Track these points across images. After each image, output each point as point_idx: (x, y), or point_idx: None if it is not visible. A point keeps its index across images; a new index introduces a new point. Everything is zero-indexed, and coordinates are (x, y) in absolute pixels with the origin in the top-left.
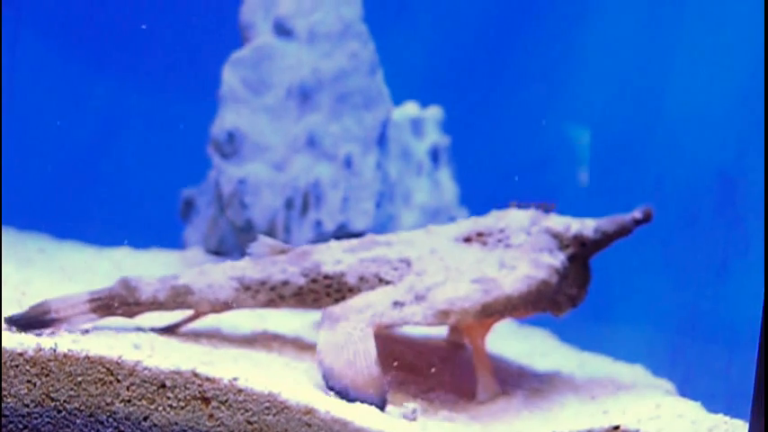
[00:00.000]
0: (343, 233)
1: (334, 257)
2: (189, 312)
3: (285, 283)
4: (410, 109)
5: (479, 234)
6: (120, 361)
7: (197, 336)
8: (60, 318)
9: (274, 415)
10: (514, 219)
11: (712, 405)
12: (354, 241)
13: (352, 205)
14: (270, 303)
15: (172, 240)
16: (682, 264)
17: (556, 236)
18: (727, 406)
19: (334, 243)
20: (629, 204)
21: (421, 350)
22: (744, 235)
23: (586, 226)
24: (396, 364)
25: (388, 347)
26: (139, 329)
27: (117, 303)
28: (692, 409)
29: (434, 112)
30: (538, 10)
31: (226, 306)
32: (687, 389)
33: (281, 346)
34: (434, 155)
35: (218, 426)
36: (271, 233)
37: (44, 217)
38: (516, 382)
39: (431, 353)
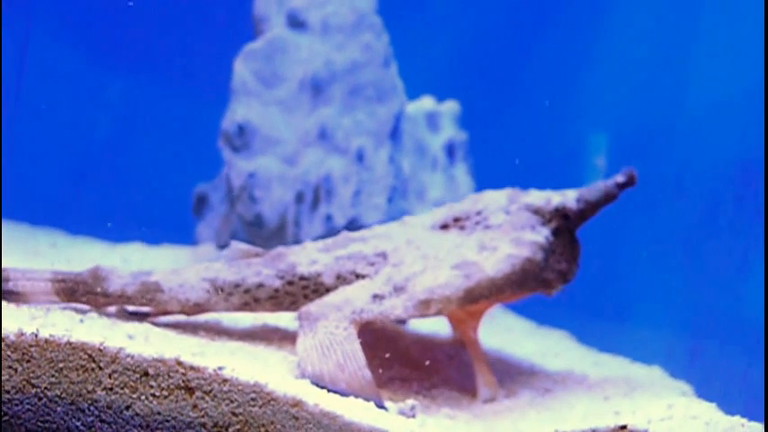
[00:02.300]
0: (354, 228)
1: (310, 258)
2: None
3: (260, 285)
4: (426, 103)
5: (456, 219)
6: (102, 347)
7: (195, 328)
8: (19, 291)
9: (260, 407)
10: (491, 199)
11: (731, 407)
12: (329, 240)
13: (363, 200)
14: (244, 307)
15: (184, 237)
16: (702, 261)
17: (537, 211)
18: (745, 408)
19: (309, 243)
20: (649, 200)
21: (427, 346)
22: (764, 227)
23: (568, 197)
24: (393, 359)
25: (392, 343)
26: (136, 321)
27: (82, 290)
28: (707, 410)
29: (451, 107)
30: (557, 3)
31: (197, 308)
32: (705, 391)
33: (280, 340)
34: (450, 150)
35: (202, 416)
36: (281, 228)
37: (58, 213)
38: (526, 381)
39: (437, 349)
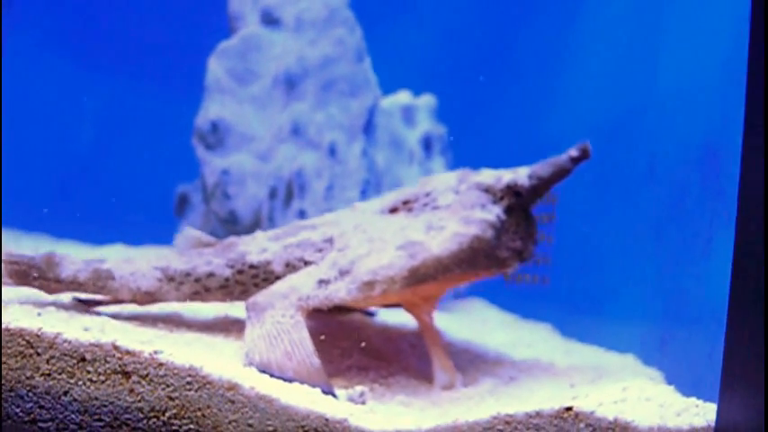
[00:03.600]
0: None
1: (260, 246)
2: None
3: (210, 274)
4: (402, 97)
5: (405, 202)
6: (39, 333)
7: (155, 320)
8: None
9: (196, 390)
10: (441, 181)
11: (698, 391)
12: (280, 229)
13: (336, 194)
14: (195, 296)
15: (167, 237)
16: (671, 247)
17: (487, 189)
18: (712, 391)
19: (260, 233)
20: (623, 190)
21: (391, 336)
22: (726, 206)
23: (519, 174)
24: (353, 348)
25: (356, 333)
26: (87, 311)
27: (35, 274)
28: (663, 392)
29: (427, 101)
30: None
31: (148, 296)
32: (675, 376)
33: (239, 331)
34: (427, 144)
35: (139, 401)
36: (255, 224)
37: (42, 218)
38: (490, 370)
39: (401, 339)
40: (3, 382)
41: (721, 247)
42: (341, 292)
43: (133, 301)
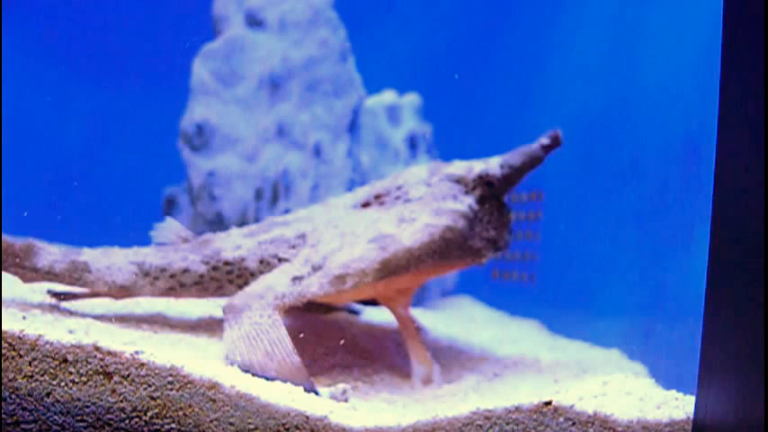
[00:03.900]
0: None
1: (234, 243)
2: None
3: (185, 270)
4: (387, 97)
5: (377, 196)
6: (21, 335)
7: (139, 321)
8: None
9: (177, 390)
10: (412, 174)
11: (680, 384)
12: (255, 226)
13: (321, 194)
14: (170, 291)
15: None
16: (653, 242)
17: (459, 180)
18: (693, 384)
19: (235, 230)
20: (607, 187)
21: (376, 335)
22: (706, 201)
23: (491, 164)
24: (338, 347)
25: (340, 332)
26: (78, 315)
27: (11, 261)
28: (643, 386)
29: (412, 100)
30: None
31: (123, 291)
32: (658, 370)
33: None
34: (412, 142)
35: (121, 401)
36: (242, 225)
37: (32, 223)
38: (474, 367)
39: (386, 338)
40: None
41: (702, 242)
42: (313, 286)
43: (108, 294)
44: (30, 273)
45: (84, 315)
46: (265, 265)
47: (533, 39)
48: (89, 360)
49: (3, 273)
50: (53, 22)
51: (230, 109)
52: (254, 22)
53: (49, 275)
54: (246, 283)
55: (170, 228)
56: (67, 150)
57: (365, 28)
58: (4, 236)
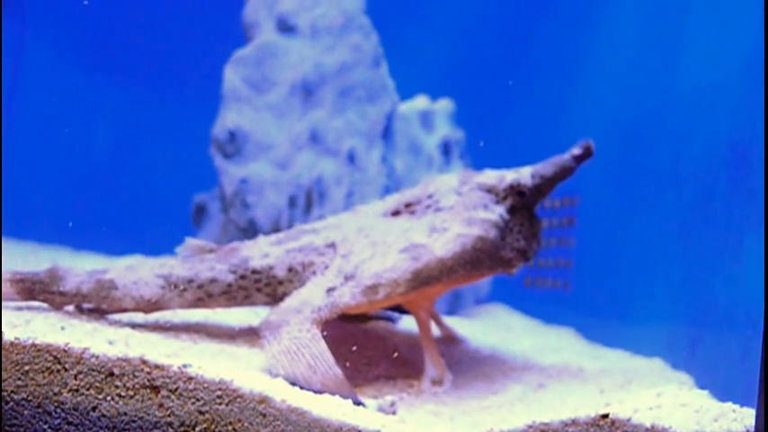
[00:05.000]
0: None
1: (262, 251)
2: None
3: (213, 280)
4: (420, 102)
5: (408, 205)
6: (67, 348)
7: (177, 331)
8: None
9: (227, 404)
10: (443, 182)
11: (731, 395)
12: (282, 234)
13: (356, 201)
14: (198, 302)
15: None
16: (699, 249)
17: (490, 190)
18: (745, 395)
19: (262, 238)
20: (646, 192)
21: (416, 345)
22: (757, 208)
23: (522, 174)
24: (380, 357)
25: (381, 342)
26: (116, 325)
27: (39, 289)
28: (698, 397)
29: (445, 105)
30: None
31: (151, 304)
32: (706, 380)
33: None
34: (446, 148)
35: (169, 416)
36: (275, 232)
37: (61, 229)
38: (519, 377)
39: None
40: (29, 398)
41: (752, 250)
42: (345, 296)
43: (137, 309)
44: (59, 297)
45: (122, 324)
46: (293, 273)
47: (570, 40)
48: (136, 374)
49: (34, 301)
50: (85, 28)
51: (262, 115)
52: (285, 27)
53: (78, 297)
54: (275, 292)
55: (190, 246)
56: (96, 157)
57: (397, 33)
58: (28, 270)
